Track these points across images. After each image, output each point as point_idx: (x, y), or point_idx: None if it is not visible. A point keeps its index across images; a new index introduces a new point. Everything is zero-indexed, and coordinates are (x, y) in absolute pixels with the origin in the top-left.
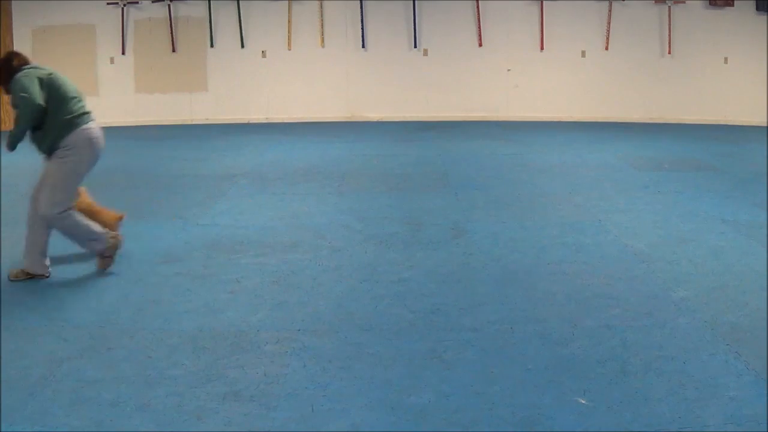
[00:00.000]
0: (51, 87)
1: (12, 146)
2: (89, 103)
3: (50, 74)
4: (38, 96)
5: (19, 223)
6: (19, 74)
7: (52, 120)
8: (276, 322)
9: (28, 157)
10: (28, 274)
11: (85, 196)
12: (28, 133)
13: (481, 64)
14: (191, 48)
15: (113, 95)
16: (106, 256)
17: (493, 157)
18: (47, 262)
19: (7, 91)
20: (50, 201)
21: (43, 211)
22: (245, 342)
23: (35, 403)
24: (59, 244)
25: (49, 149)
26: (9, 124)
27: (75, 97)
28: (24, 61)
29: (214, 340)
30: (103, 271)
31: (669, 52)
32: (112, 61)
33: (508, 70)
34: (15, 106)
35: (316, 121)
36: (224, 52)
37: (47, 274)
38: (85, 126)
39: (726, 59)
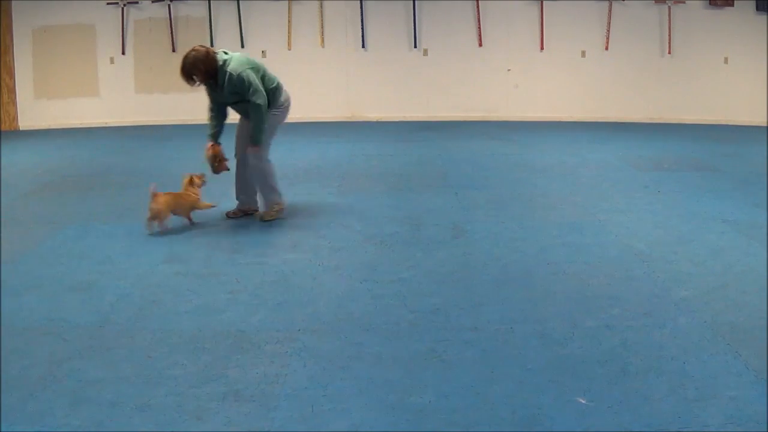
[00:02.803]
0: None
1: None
2: (89, 103)
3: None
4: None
5: (20, 223)
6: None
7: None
8: (276, 322)
9: (27, 157)
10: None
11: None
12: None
13: (481, 64)
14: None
15: (113, 95)
16: (273, 212)
17: (493, 157)
18: (279, 197)
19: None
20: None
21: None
22: (245, 342)
23: (35, 403)
24: (63, 247)
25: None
26: (9, 124)
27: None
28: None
29: (214, 340)
30: (261, 221)
31: (669, 52)
32: (112, 61)
33: (508, 70)
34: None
35: (316, 121)
36: None
37: (283, 205)
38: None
39: (726, 59)
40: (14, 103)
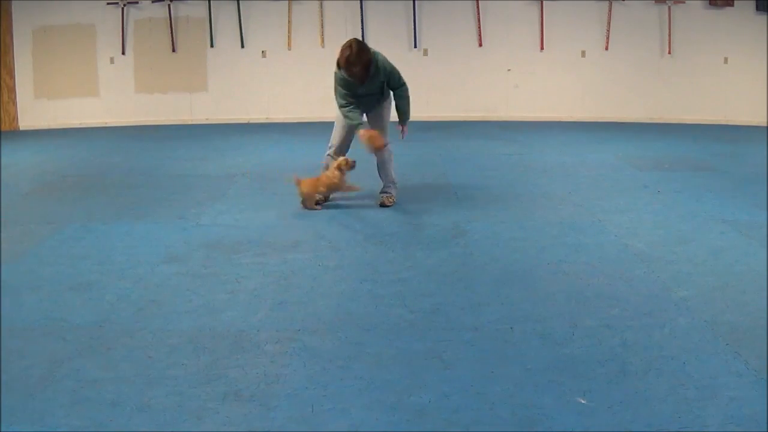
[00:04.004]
0: None
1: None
2: (89, 103)
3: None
4: None
5: (20, 223)
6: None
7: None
8: (276, 322)
9: (27, 157)
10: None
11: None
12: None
13: (481, 64)
14: (191, 48)
15: (113, 95)
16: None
17: (493, 157)
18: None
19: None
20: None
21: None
22: (245, 342)
23: (35, 403)
24: (63, 247)
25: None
26: (9, 124)
27: None
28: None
29: (214, 340)
30: (382, 206)
31: (669, 52)
32: (112, 61)
33: (508, 70)
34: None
35: (316, 121)
36: (224, 52)
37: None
38: None
39: (726, 59)
40: (14, 103)
